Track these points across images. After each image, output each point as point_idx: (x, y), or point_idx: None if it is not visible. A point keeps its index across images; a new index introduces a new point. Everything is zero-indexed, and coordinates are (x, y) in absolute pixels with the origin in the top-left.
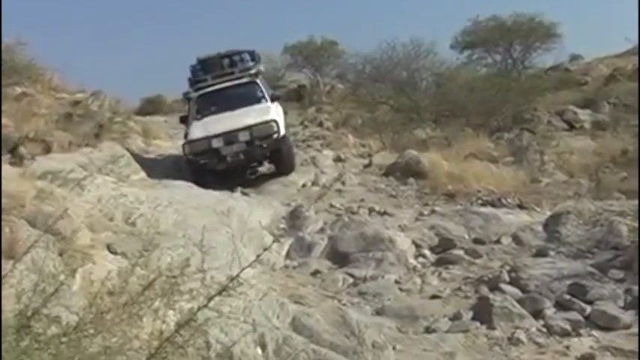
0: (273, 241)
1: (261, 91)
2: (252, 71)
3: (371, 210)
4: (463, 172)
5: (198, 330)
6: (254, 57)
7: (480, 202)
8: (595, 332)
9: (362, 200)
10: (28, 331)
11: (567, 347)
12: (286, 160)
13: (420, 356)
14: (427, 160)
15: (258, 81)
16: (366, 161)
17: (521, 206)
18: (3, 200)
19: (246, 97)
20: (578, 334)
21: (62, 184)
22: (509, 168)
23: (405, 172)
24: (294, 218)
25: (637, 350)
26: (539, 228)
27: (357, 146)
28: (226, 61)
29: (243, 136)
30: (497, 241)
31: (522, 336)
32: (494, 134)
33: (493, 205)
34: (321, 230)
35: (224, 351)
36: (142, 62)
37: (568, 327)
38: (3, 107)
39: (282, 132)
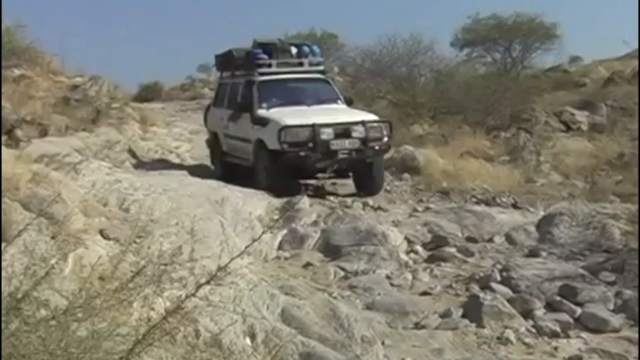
0: (263, 232)
1: (335, 91)
2: (321, 67)
3: (365, 204)
4: (458, 170)
5: (187, 318)
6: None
7: (474, 200)
8: (584, 334)
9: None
10: (17, 313)
11: (555, 348)
12: (377, 177)
13: (408, 352)
14: (423, 157)
15: (330, 80)
16: None
17: (515, 206)
18: None
19: (320, 94)
20: (567, 336)
21: (58, 168)
22: (504, 167)
23: (401, 167)
24: (288, 210)
25: (624, 354)
26: (532, 228)
27: None
28: (294, 50)
29: (358, 132)
30: (490, 240)
31: (511, 335)
32: (491, 133)
33: (487, 204)
34: (315, 223)
35: (213, 340)
36: (140, 49)
37: (557, 328)
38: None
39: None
